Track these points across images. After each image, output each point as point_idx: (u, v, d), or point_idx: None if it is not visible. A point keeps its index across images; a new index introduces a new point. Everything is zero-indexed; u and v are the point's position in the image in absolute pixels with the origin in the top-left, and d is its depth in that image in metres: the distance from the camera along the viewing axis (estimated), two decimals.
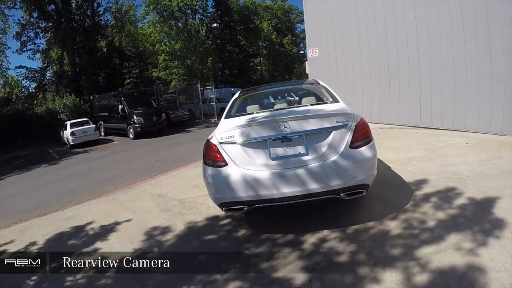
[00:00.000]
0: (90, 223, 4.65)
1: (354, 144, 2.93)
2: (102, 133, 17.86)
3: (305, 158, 2.88)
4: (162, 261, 3.07)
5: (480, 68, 5.73)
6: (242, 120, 3.32)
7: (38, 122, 20.15)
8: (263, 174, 2.85)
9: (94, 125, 16.55)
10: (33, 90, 25.48)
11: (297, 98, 4.48)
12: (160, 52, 26.88)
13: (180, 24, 29.78)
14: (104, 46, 26.75)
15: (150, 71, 29.12)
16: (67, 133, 15.87)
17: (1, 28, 22.56)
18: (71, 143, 15.47)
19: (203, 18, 33.90)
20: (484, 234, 2.65)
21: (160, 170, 7.76)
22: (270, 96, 4.56)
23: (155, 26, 28.30)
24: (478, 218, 2.91)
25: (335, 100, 3.66)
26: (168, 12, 28.60)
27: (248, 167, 2.91)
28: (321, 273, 2.48)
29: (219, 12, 34.91)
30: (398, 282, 2.26)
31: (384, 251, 2.64)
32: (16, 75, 25.26)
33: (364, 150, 2.95)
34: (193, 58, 25.56)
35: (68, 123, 16.50)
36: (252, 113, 3.58)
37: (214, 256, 3.03)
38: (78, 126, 16.08)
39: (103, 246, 3.77)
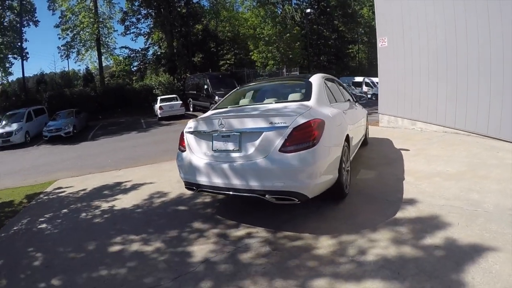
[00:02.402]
0: (127, 181, 5.97)
1: (287, 147, 2.92)
2: (191, 109, 20.40)
3: (236, 154, 3.14)
4: (138, 215, 4.12)
5: None
6: (210, 113, 3.90)
7: (136, 95, 24.20)
8: (204, 162, 3.33)
9: (180, 102, 18.96)
10: (135, 68, 30.69)
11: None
12: (258, 35, 28.37)
13: (279, 11, 30.77)
14: (200, 30, 29.91)
15: (249, 55, 30.94)
16: (156, 106, 18.67)
17: (108, 15, 27.88)
18: (159, 116, 18.23)
19: (299, 3, 34.19)
20: None
21: None
22: (259, 92, 4.77)
23: (253, 11, 29.83)
24: (438, 273, 2.25)
25: (307, 99, 3.65)
26: None
27: (197, 154, 3.46)
28: (214, 263, 2.72)
29: None
30: None
31: (284, 265, 2.58)
32: (120, 54, 30.62)
33: (298, 156, 2.90)
34: (281, 44, 26.27)
35: (159, 98, 19.44)
36: (227, 107, 4.10)
37: (169, 222, 3.76)
38: (166, 102, 18.78)
39: (120, 198, 4.99)
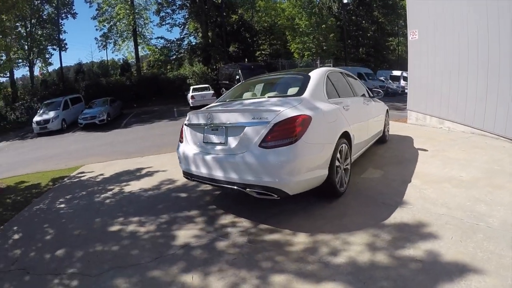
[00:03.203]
0: (146, 167, 6.43)
1: (268, 143, 2.99)
2: None
3: (221, 147, 3.31)
4: (143, 200, 4.51)
5: None
6: (210, 106, 4.11)
7: (170, 84, 25.18)
8: (196, 153, 3.56)
9: (212, 91, 19.49)
10: (169, 57, 31.66)
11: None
12: (295, 26, 28.29)
13: (318, 1, 30.40)
14: (235, 21, 30.57)
15: (287, 45, 30.93)
16: (189, 96, 19.38)
17: (144, 6, 29.26)
18: (191, 105, 18.89)
19: None
20: None
21: None
22: (259, 86, 4.80)
23: (290, 0, 29.66)
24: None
25: (300, 94, 3.62)
26: None
27: (191, 146, 3.70)
28: (192, 249, 2.97)
29: None
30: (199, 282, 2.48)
31: (253, 257, 2.72)
32: (155, 45, 31.92)
33: (277, 152, 2.95)
34: (316, 35, 25.97)
35: (192, 87, 20.13)
36: (226, 101, 4.29)
37: (167, 207, 4.08)
38: (198, 91, 19.43)
39: (133, 183, 5.41)
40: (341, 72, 5.02)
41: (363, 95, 5.42)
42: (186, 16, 30.21)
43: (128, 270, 2.72)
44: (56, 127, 16.16)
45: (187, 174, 3.82)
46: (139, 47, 29.65)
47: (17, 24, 24.40)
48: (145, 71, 30.58)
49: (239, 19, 31.00)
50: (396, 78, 22.40)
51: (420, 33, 8.37)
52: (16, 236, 3.86)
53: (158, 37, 32.06)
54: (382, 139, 6.35)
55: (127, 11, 27.08)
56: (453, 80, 7.30)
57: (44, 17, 27.02)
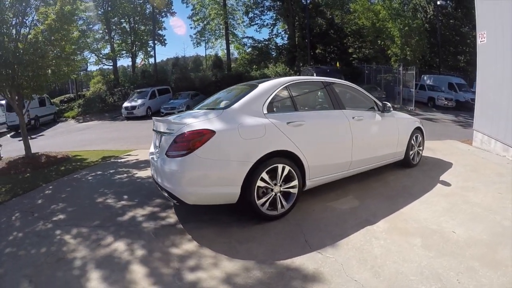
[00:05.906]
0: None
1: (170, 152, 3.36)
2: None
3: (157, 150, 3.83)
4: (139, 184, 5.56)
5: None
6: None
7: None
8: (151, 152, 4.15)
9: None
10: (255, 57, 33.51)
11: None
12: (388, 29, 27.11)
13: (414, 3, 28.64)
14: (324, 23, 31.05)
15: (384, 49, 29.85)
16: None
17: (234, 7, 32.11)
18: None
19: None
20: None
21: None
22: (219, 97, 4.82)
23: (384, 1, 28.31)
24: None
25: (229, 106, 3.69)
26: None
27: (152, 146, 4.27)
28: (122, 225, 3.76)
29: None
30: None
31: (142, 245, 3.23)
32: (245, 44, 34.28)
33: (173, 161, 3.31)
34: (401, 39, 24.24)
35: None
36: (191, 110, 4.76)
37: (149, 193, 4.85)
38: None
39: (148, 170, 6.32)
40: (323, 82, 4.61)
41: (372, 108, 4.94)
42: (274, 17, 31.90)
43: (80, 227, 3.76)
44: (141, 113, 19.07)
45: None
46: (231, 45, 32.33)
47: (122, 20, 29.61)
48: (239, 67, 33.14)
49: (328, 22, 31.13)
50: None
51: (488, 36, 7.10)
52: (47, 192, 5.42)
53: (247, 37, 34.40)
54: (405, 163, 5.62)
55: (219, 12, 30.09)
56: None
57: (147, 15, 31.58)
